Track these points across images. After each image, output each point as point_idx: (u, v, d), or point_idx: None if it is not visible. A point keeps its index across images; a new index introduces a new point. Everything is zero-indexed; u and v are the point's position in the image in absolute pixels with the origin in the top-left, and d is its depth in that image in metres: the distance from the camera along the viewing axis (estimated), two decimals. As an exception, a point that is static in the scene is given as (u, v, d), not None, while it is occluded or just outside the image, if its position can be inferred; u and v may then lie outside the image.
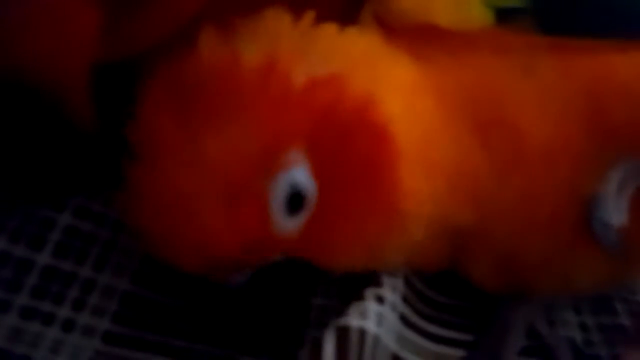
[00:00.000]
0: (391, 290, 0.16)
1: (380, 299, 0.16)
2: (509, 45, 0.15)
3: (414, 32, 0.16)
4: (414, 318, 0.17)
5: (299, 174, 0.13)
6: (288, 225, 0.13)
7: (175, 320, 0.16)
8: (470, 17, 0.15)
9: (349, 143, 0.13)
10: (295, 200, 0.13)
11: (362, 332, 0.14)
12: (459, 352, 0.18)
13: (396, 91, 0.14)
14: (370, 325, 0.15)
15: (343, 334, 0.14)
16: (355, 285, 0.16)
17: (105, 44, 0.14)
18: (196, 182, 0.13)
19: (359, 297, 0.15)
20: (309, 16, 0.14)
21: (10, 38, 0.13)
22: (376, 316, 0.15)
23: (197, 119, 0.13)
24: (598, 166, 0.14)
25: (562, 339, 0.18)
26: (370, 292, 0.16)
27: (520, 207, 0.15)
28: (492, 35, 0.15)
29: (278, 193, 0.13)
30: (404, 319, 0.17)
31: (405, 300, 0.17)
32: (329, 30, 0.14)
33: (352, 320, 0.15)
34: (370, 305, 0.15)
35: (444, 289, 0.18)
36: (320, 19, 0.16)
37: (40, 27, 0.14)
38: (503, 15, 0.15)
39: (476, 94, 0.15)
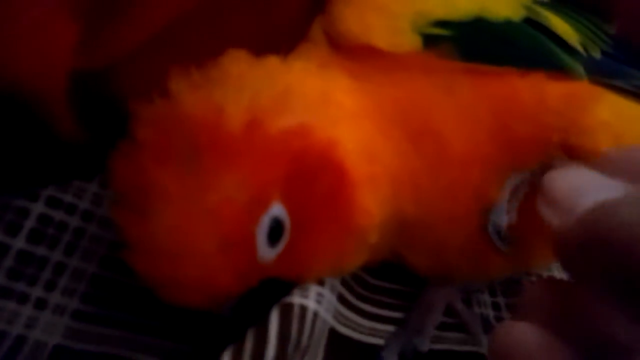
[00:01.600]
0: None
1: (320, 282, 0.18)
2: (433, 67, 0.17)
3: (356, 51, 0.18)
4: (351, 298, 0.20)
5: (277, 210, 0.15)
6: (270, 254, 0.15)
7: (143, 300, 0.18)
8: (402, 41, 0.17)
9: (315, 182, 0.16)
10: (275, 233, 0.15)
11: (303, 308, 0.17)
12: (389, 328, 0.20)
13: (343, 121, 0.17)
14: (310, 303, 0.17)
15: (286, 310, 0.17)
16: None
17: (83, 53, 0.16)
18: (195, 230, 0.14)
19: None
20: (273, 60, 0.17)
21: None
22: (316, 295, 0.17)
23: (193, 172, 0.14)
24: (500, 174, 0.17)
25: (475, 315, 0.21)
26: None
27: (445, 203, 0.18)
28: (420, 58, 0.17)
29: (262, 230, 0.15)
30: (341, 298, 0.19)
31: (343, 282, 0.20)
32: (291, 73, 0.17)
33: (295, 298, 0.17)
34: (312, 287, 0.18)
35: (378, 274, 0.21)
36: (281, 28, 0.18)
37: (21, 40, 0.15)
38: (429, 41, 0.17)
39: (408, 108, 0.18)
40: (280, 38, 0.19)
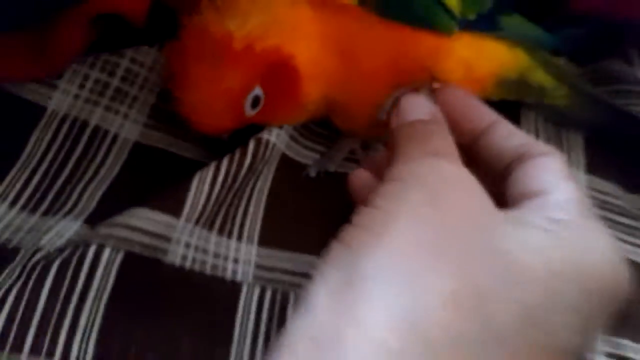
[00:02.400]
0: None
1: (280, 127, 0.32)
2: (361, 14, 0.29)
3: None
4: (298, 136, 0.34)
5: (257, 91, 0.28)
6: (252, 112, 0.29)
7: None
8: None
9: (280, 76, 0.28)
10: (255, 102, 0.28)
11: (267, 141, 0.31)
12: (316, 155, 0.35)
13: (302, 41, 0.29)
14: (272, 137, 0.31)
15: (257, 140, 0.31)
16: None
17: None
18: (212, 97, 0.27)
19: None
20: None
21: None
22: (276, 134, 0.32)
23: (212, 67, 0.27)
24: (390, 87, 0.29)
25: (366, 154, 0.35)
26: (275, 123, 0.32)
27: (356, 97, 0.30)
28: (354, 8, 0.29)
29: (248, 101, 0.28)
30: (292, 137, 0.34)
31: (295, 127, 0.34)
32: (279, 6, 0.28)
33: (264, 134, 0.31)
34: (274, 129, 0.32)
35: (318, 124, 0.35)
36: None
37: None
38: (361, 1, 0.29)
39: (342, 36, 0.29)
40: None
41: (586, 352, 0.21)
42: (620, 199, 0.39)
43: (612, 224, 0.37)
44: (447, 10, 0.30)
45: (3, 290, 0.24)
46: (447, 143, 0.23)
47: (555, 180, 0.21)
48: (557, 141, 0.40)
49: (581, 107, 0.38)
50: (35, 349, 0.23)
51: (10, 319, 0.23)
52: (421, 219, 0.18)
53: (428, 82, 0.30)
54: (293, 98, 0.30)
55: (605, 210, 0.38)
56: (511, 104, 0.38)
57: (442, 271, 0.17)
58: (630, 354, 0.32)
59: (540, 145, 0.23)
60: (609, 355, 0.31)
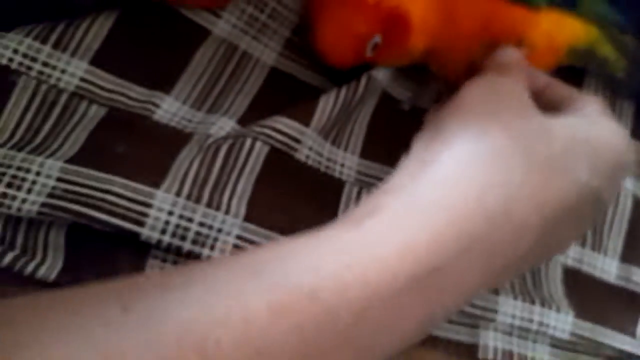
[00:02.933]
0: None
1: (387, 67, 0.40)
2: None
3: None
4: (399, 76, 0.42)
5: (377, 38, 0.36)
6: (371, 54, 0.37)
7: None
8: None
9: (396, 26, 0.36)
10: (375, 46, 0.36)
11: (375, 78, 0.39)
12: (410, 93, 0.43)
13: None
14: (379, 76, 0.40)
15: (368, 77, 0.39)
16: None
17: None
18: (343, 39, 0.35)
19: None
20: None
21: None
22: (383, 73, 0.40)
23: (348, 12, 0.35)
24: (480, 46, 0.37)
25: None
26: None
27: (451, 47, 0.38)
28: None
29: (370, 45, 0.36)
30: (394, 76, 0.42)
31: (397, 69, 0.42)
32: None
33: (373, 72, 0.39)
34: (381, 69, 0.40)
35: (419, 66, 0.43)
36: None
37: None
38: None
39: (446, 4, 0.37)
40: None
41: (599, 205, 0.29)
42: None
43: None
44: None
45: (188, 161, 0.34)
46: (516, 72, 0.32)
47: (588, 103, 0.32)
48: (611, 106, 0.47)
49: (636, 79, 0.45)
50: (209, 204, 0.33)
51: (194, 182, 0.33)
52: (486, 105, 0.28)
53: (515, 44, 0.37)
54: (403, 46, 0.38)
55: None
56: (577, 70, 0.45)
57: (500, 127, 0.26)
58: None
59: (584, 94, 0.34)
60: (619, 277, 0.40)
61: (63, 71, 0.33)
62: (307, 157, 0.37)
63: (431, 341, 0.36)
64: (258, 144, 0.35)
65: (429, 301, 0.21)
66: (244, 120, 0.37)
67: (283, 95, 0.39)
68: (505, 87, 0.29)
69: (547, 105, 0.34)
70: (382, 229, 0.22)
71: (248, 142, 0.35)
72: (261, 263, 0.21)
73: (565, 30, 0.40)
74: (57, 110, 0.33)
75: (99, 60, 0.34)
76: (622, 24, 0.43)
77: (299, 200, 0.36)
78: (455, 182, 0.23)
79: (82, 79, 0.33)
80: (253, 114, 0.38)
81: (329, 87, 0.39)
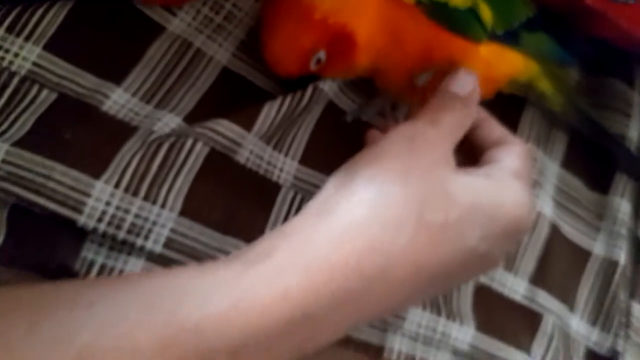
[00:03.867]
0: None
1: (333, 79, 0.42)
2: (414, 12, 0.38)
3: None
4: (345, 88, 0.44)
5: (321, 54, 0.37)
6: (314, 67, 0.38)
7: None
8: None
9: (340, 43, 0.37)
10: (318, 61, 0.38)
11: (319, 88, 0.41)
12: (355, 106, 0.45)
13: (364, 17, 0.38)
14: (325, 87, 0.41)
15: (315, 88, 0.41)
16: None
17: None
18: (287, 50, 0.37)
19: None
20: None
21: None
22: (329, 84, 0.42)
23: (293, 25, 0.36)
24: (422, 67, 0.39)
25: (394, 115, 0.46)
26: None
27: (396, 67, 0.40)
28: (411, 5, 0.38)
29: (313, 60, 0.37)
30: (340, 88, 0.44)
31: (343, 81, 0.44)
32: None
33: (319, 83, 0.41)
34: (328, 80, 0.42)
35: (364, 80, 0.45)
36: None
37: None
38: (418, 3, 0.38)
39: (395, 23, 0.38)
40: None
41: (489, 267, 0.32)
42: (580, 193, 0.49)
43: (567, 211, 0.48)
44: (481, 23, 0.39)
45: (130, 154, 0.35)
46: (453, 122, 0.33)
47: (509, 155, 0.33)
48: (546, 134, 0.50)
49: (571, 115, 0.48)
50: (147, 198, 0.35)
51: (133, 175, 0.35)
52: (399, 160, 0.28)
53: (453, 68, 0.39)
54: (347, 63, 0.39)
55: (566, 199, 0.49)
56: (518, 97, 0.48)
57: (403, 188, 0.27)
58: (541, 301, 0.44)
59: (513, 138, 0.35)
60: (525, 297, 0.43)
61: (16, 55, 0.34)
62: (247, 159, 0.39)
63: (344, 340, 0.39)
64: (199, 145, 0.37)
65: (300, 344, 0.23)
66: (190, 118, 0.39)
67: (232, 95, 0.41)
68: (426, 142, 0.30)
69: (474, 144, 0.37)
70: (269, 275, 0.24)
71: (189, 142, 0.37)
72: (156, 293, 0.22)
73: (505, 63, 0.42)
74: (7, 92, 0.32)
75: (53, 46, 0.34)
76: (564, 60, 0.46)
77: (235, 199, 0.38)
78: (342, 243, 0.25)
79: (35, 64, 0.34)
80: (200, 112, 0.39)
81: (278, 92, 0.41)
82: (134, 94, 0.38)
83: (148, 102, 0.39)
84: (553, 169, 0.49)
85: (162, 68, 0.40)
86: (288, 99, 0.40)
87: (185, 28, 0.40)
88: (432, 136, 0.31)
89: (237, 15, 0.41)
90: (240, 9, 0.42)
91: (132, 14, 0.39)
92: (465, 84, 0.36)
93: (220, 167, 0.38)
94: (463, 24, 0.38)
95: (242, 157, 0.39)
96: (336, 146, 0.42)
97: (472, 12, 0.38)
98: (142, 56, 0.39)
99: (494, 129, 0.36)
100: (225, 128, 0.38)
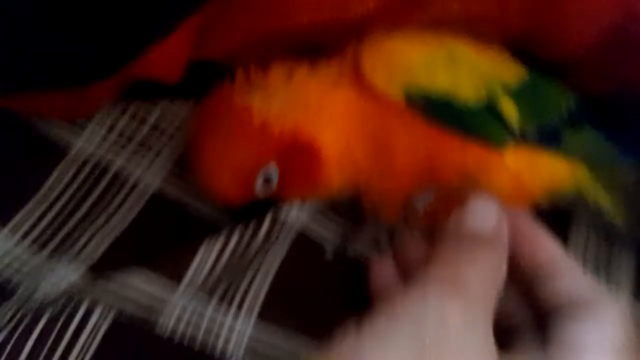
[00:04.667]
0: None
1: (302, 203, 0.31)
2: (406, 114, 0.27)
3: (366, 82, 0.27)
4: (319, 214, 0.32)
5: (271, 168, 0.27)
6: (264, 190, 0.28)
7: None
8: (394, 91, 0.27)
9: (298, 158, 0.27)
10: (268, 180, 0.27)
11: (284, 221, 0.30)
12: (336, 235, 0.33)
13: (331, 124, 0.27)
14: (290, 217, 0.30)
15: (273, 219, 0.29)
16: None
17: (197, 47, 0.26)
18: (223, 170, 0.27)
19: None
20: (303, 71, 0.27)
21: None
22: (296, 212, 0.30)
23: (230, 138, 0.26)
24: (422, 185, 0.28)
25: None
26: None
27: (385, 190, 0.29)
28: (400, 105, 0.27)
29: (259, 178, 0.27)
30: (312, 214, 0.32)
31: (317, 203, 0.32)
32: (309, 85, 0.27)
33: (282, 212, 0.30)
34: (295, 205, 0.30)
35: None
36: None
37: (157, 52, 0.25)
38: (409, 99, 0.27)
39: (381, 129, 0.27)
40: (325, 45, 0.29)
41: None
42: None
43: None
44: (503, 122, 0.27)
45: None
46: (481, 279, 0.22)
47: (593, 334, 0.22)
48: (606, 257, 0.37)
49: (637, 228, 0.35)
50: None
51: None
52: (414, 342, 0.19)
53: (470, 188, 0.27)
54: (312, 181, 0.28)
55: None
56: (562, 212, 0.35)
57: None
58: None
59: (595, 300, 0.24)
60: None
61: None
62: (175, 327, 0.27)
63: None
64: (97, 312, 0.25)
65: None
66: (96, 267, 0.28)
67: (161, 232, 0.30)
68: (455, 321, 0.20)
69: (525, 275, 0.25)
70: None
71: (80, 311, 0.25)
72: None
73: (541, 171, 0.30)
74: None
75: None
76: (621, 160, 0.33)
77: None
78: None
79: None
80: (113, 259, 0.28)
81: (225, 224, 0.29)
82: (23, 237, 0.28)
83: (42, 247, 0.28)
84: (621, 301, 0.35)
85: (64, 202, 0.29)
86: (236, 235, 0.29)
87: (97, 145, 0.30)
88: (456, 319, 0.20)
89: (171, 122, 0.31)
90: (175, 115, 0.31)
91: (24, 134, 0.29)
92: (486, 216, 0.24)
93: (129, 344, 0.26)
94: (478, 125, 0.27)
95: (167, 324, 0.27)
96: (311, 296, 0.30)
97: (490, 110, 0.27)
98: (38, 189, 0.29)
99: (571, 281, 0.24)
100: (142, 280, 0.26)
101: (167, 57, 0.25)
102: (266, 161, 0.27)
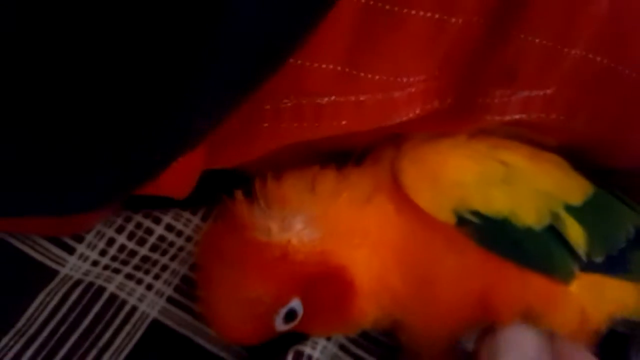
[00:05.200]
0: None
1: (328, 338, 0.26)
2: (455, 238, 0.23)
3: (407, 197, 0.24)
4: (349, 345, 0.28)
5: (295, 303, 0.22)
6: (285, 328, 0.23)
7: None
8: (441, 214, 0.23)
9: (326, 290, 0.23)
10: (290, 316, 0.23)
11: (310, 357, 0.25)
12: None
13: (364, 248, 0.23)
14: (315, 353, 0.25)
15: (297, 356, 0.25)
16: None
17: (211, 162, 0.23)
18: (235, 308, 0.22)
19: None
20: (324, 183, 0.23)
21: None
22: (322, 347, 0.25)
23: (241, 272, 0.22)
24: (472, 325, 0.24)
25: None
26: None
27: (426, 329, 0.24)
28: (448, 227, 0.23)
29: (279, 316, 0.22)
30: (342, 347, 0.27)
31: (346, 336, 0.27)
32: (336, 203, 0.23)
33: (306, 348, 0.25)
34: (320, 341, 0.25)
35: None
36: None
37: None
38: (461, 221, 0.23)
39: (423, 257, 0.23)
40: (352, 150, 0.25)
41: None
42: None
43: None
44: (570, 251, 0.23)
45: None
46: None
47: None
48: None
49: None
50: None
51: None
52: None
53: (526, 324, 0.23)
54: (342, 315, 0.24)
55: None
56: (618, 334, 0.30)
57: None
58: None
59: None
60: None
61: None
62: None
63: None
64: None
65: None
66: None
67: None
68: None
69: None
70: None
71: None
72: None
73: (607, 300, 0.26)
74: None
75: None
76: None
77: None
78: None
79: None
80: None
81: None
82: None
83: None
84: None
85: (48, 334, 0.24)
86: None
87: (88, 268, 0.26)
88: None
89: (174, 242, 0.27)
90: (180, 232, 0.27)
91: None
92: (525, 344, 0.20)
93: None
94: (540, 252, 0.23)
95: None
96: None
97: (553, 233, 0.23)
98: (19, 319, 0.24)
99: None
100: None
101: (176, 176, 0.21)
102: (287, 298, 0.22)
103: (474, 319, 0.24)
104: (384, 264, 0.24)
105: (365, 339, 0.28)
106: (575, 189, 0.25)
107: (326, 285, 0.23)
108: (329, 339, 0.26)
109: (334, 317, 0.24)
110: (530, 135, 0.25)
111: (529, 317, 0.23)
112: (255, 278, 0.22)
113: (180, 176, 0.22)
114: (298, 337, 0.25)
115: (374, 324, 0.25)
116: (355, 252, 0.23)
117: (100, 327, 0.25)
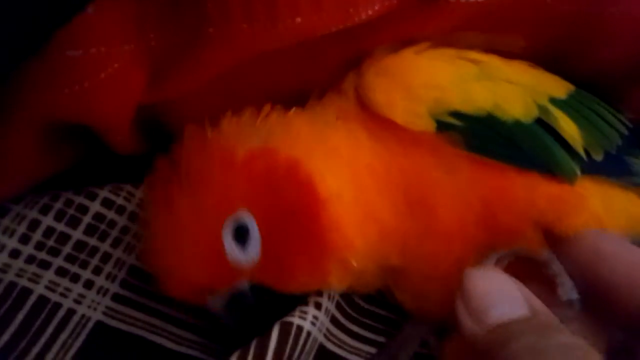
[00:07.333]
0: (328, 298, 0.22)
1: (318, 305, 0.21)
2: (440, 148, 0.20)
3: (379, 118, 0.21)
4: (341, 319, 0.23)
5: (242, 215, 0.19)
6: (242, 257, 0.19)
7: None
8: (418, 122, 0.20)
9: (279, 195, 0.19)
10: (241, 235, 0.19)
11: (300, 328, 0.20)
12: (371, 349, 0.24)
13: (340, 163, 0.20)
14: (306, 324, 0.20)
15: (285, 328, 0.20)
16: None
17: (147, 93, 0.19)
18: (174, 237, 0.18)
19: (304, 302, 0.21)
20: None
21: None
22: (312, 317, 0.21)
23: (177, 193, 0.19)
24: (480, 251, 0.20)
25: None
26: (311, 299, 0.21)
27: (427, 265, 0.21)
28: (430, 138, 0.20)
29: (227, 231, 0.19)
30: (333, 319, 0.23)
31: (338, 305, 0.23)
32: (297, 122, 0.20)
33: (295, 319, 0.20)
34: (310, 309, 0.21)
35: (370, 298, 0.24)
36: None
37: (100, 89, 0.18)
38: (442, 127, 0.20)
39: (411, 178, 0.20)
40: (314, 87, 0.22)
41: None
42: None
43: None
44: (567, 147, 0.21)
45: None
46: None
47: None
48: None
49: None
50: None
51: None
52: None
53: (538, 247, 0.20)
54: (310, 233, 0.19)
55: None
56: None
57: None
58: None
59: None
60: None
61: None
62: None
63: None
64: None
65: None
66: None
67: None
68: None
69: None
70: None
71: None
72: None
73: (618, 211, 0.23)
74: None
75: None
76: None
77: None
78: None
79: None
80: None
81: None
82: None
83: None
84: None
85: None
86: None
87: (7, 261, 0.20)
88: None
89: (115, 221, 0.23)
90: (121, 208, 0.23)
91: None
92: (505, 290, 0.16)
93: None
94: (535, 150, 0.20)
95: None
96: None
97: (545, 129, 0.20)
98: None
99: None
100: None
101: (111, 103, 0.18)
102: (232, 205, 0.19)
103: (479, 239, 0.20)
104: (364, 192, 0.20)
105: (361, 314, 0.24)
106: (556, 83, 0.23)
107: (278, 187, 0.19)
108: (319, 307, 0.21)
109: (305, 242, 0.19)
110: (496, 42, 0.23)
111: (535, 227, 0.20)
112: (200, 195, 0.19)
113: (115, 102, 0.18)
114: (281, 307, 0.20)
115: (364, 276, 0.21)
116: (319, 161, 0.20)
117: (27, 339, 0.20)
